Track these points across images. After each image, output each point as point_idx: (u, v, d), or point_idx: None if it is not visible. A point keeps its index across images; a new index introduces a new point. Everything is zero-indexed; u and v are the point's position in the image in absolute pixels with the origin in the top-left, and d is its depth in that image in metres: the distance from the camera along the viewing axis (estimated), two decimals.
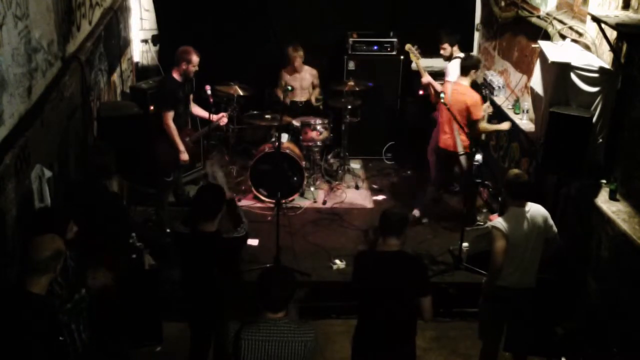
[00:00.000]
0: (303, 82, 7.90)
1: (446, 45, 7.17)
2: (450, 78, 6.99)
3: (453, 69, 7.01)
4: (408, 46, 7.26)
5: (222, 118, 6.86)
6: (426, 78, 7.13)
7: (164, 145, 6.37)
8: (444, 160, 6.73)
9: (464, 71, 6.52)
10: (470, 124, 6.38)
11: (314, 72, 7.92)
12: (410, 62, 7.45)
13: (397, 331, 4.08)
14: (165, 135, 6.35)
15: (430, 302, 4.03)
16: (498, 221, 4.62)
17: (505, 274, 4.60)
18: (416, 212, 6.99)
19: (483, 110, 6.69)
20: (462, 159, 6.51)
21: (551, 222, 4.68)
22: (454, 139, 6.48)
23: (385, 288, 3.97)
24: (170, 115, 6.29)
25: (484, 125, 6.69)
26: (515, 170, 4.82)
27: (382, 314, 4.02)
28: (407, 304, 4.02)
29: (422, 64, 7.25)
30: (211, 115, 6.65)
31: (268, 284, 3.46)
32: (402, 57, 8.07)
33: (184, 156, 6.43)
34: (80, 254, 4.12)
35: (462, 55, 7.07)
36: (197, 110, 6.87)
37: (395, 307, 4.00)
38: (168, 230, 6.37)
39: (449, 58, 7.23)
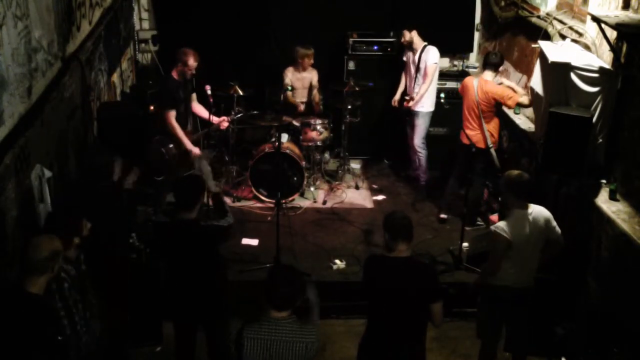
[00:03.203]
0: (305, 81, 7.89)
1: (405, 32, 7.27)
2: (432, 60, 7.14)
3: (432, 55, 7.15)
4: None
5: (222, 122, 6.83)
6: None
7: (174, 145, 6.34)
8: (469, 156, 6.54)
9: (494, 68, 6.55)
10: (502, 115, 6.47)
11: (314, 72, 7.91)
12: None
13: (407, 335, 4.04)
14: (170, 136, 6.31)
15: (440, 307, 3.99)
16: (501, 225, 4.58)
17: (506, 274, 4.59)
18: (443, 215, 7.10)
19: None
20: (493, 152, 6.58)
21: (554, 223, 4.67)
22: (484, 135, 6.52)
23: (397, 294, 3.93)
24: (172, 114, 6.26)
25: (520, 100, 6.44)
26: (515, 171, 4.83)
27: (392, 319, 3.99)
28: (418, 310, 3.98)
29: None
30: (212, 117, 6.63)
31: (277, 281, 3.44)
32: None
33: (196, 150, 6.44)
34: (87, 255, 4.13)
35: (424, 43, 7.20)
36: (199, 110, 6.82)
37: (406, 313, 3.96)
38: None
39: (409, 46, 7.32)
